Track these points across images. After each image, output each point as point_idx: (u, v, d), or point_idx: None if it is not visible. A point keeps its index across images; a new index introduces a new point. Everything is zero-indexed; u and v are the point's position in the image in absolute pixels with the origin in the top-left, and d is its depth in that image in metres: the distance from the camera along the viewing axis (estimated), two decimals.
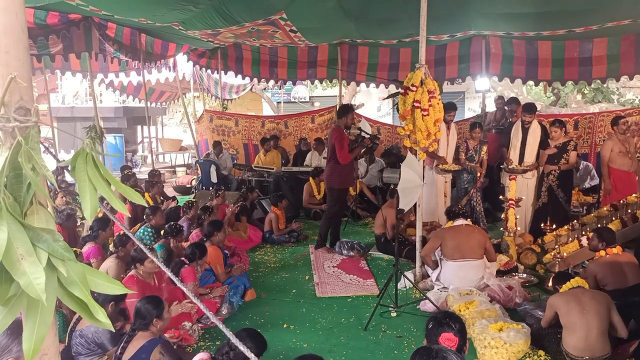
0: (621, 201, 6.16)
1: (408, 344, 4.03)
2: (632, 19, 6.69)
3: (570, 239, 5.65)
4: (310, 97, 22.91)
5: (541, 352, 3.80)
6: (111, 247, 5.07)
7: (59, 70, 10.16)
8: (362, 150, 6.59)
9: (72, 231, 5.82)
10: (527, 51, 8.65)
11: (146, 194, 7.35)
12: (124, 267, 4.57)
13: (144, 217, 6.07)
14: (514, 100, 8.38)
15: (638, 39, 7.89)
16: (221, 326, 1.43)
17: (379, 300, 4.57)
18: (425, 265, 5.27)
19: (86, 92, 17.44)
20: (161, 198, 7.71)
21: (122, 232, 5.03)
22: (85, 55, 7.51)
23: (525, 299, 4.67)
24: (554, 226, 5.88)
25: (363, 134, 6.49)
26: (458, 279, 4.81)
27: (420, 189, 4.86)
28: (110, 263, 4.58)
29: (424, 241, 5.32)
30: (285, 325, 4.40)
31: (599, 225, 5.60)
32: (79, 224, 6.43)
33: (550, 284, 5.10)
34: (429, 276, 5.22)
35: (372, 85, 10.28)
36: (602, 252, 4.42)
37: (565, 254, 5.35)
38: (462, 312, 4.17)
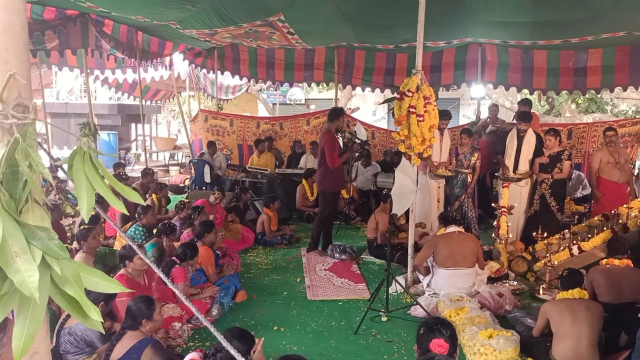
0: (612, 211, 6.21)
1: (398, 349, 4.04)
2: (627, 30, 6.75)
3: (561, 248, 5.69)
4: (306, 99, 22.90)
5: None
6: (74, 244, 4.98)
7: (54, 65, 10.11)
8: (356, 155, 6.58)
9: (57, 224, 5.76)
10: (523, 60, 8.70)
11: (154, 195, 7.38)
12: (91, 260, 4.57)
13: (136, 215, 6.05)
14: (525, 102, 7.79)
15: (633, 50, 7.96)
16: (211, 328, 1.43)
17: (369, 304, 4.57)
18: (417, 271, 5.28)
19: (81, 89, 17.38)
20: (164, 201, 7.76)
21: (82, 226, 4.94)
22: (81, 51, 7.49)
23: (515, 306, 4.69)
24: (545, 234, 5.91)
25: (355, 139, 6.48)
26: (449, 286, 4.82)
27: (413, 194, 4.87)
28: (79, 258, 4.51)
29: (416, 246, 5.33)
30: (275, 328, 4.39)
31: (588, 235, 5.64)
32: (71, 222, 6.40)
33: (540, 292, 5.15)
34: (420, 281, 5.24)
35: (368, 89, 10.30)
36: (615, 261, 4.33)
37: (555, 262, 5.39)
38: (453, 318, 4.19)
